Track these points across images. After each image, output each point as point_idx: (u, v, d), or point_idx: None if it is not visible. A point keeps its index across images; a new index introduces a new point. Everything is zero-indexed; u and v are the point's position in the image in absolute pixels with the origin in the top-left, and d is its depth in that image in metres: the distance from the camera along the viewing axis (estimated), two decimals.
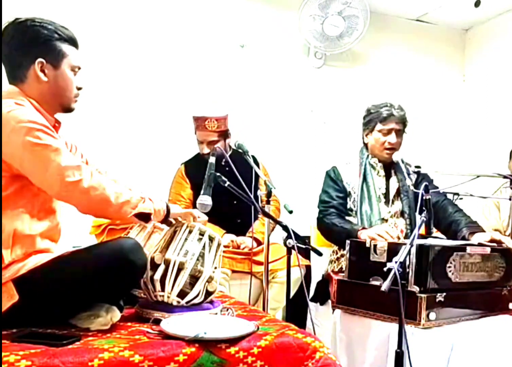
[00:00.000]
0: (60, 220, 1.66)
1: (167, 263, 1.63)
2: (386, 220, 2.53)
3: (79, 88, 1.68)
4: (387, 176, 2.62)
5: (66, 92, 1.64)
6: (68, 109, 1.68)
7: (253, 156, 3.02)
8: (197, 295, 1.65)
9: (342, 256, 2.54)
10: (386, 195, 2.59)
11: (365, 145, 2.68)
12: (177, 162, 3.14)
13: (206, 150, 2.88)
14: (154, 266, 1.64)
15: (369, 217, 2.52)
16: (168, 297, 1.63)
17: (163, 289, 1.63)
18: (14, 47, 1.58)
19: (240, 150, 2.47)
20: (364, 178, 2.58)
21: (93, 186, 1.49)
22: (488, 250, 2.12)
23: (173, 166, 3.14)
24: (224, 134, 2.93)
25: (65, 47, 1.62)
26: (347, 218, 2.57)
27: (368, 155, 2.63)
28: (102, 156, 3.08)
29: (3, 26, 1.60)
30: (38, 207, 1.56)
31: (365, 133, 2.66)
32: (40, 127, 1.49)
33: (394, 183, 2.60)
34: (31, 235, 1.53)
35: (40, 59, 1.57)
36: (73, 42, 1.66)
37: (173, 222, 1.77)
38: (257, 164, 2.99)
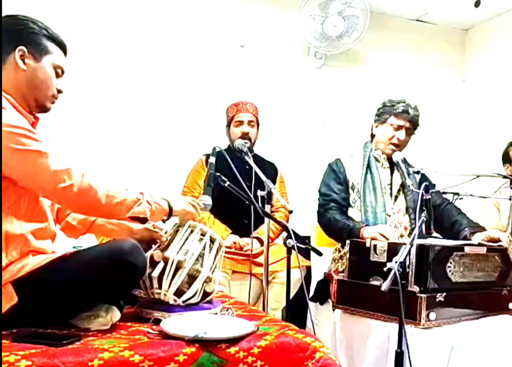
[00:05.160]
0: (51, 219, 1.64)
1: (166, 261, 1.63)
2: (390, 216, 2.52)
3: (59, 91, 1.65)
4: (391, 171, 2.61)
5: (42, 87, 1.60)
6: (43, 107, 1.63)
7: (272, 164, 3.09)
8: (194, 295, 1.65)
9: (346, 253, 2.54)
10: (390, 189, 2.58)
11: (371, 137, 2.67)
12: (179, 159, 3.19)
13: (246, 129, 2.97)
14: (153, 264, 1.64)
15: (374, 208, 2.51)
16: (165, 295, 1.62)
17: (160, 287, 1.63)
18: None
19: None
20: (369, 170, 2.57)
21: (84, 189, 1.49)
22: (485, 250, 2.11)
23: (176, 164, 3.20)
24: (257, 124, 3.06)
25: (50, 45, 1.61)
26: (349, 210, 2.56)
27: (372, 149, 2.63)
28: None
29: None
30: (26, 208, 1.54)
31: (375, 125, 2.65)
32: (23, 131, 1.45)
33: (397, 179, 2.60)
34: (23, 234, 1.51)
35: (21, 47, 1.55)
36: (60, 45, 1.64)
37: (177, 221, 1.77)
38: (276, 172, 3.06)
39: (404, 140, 2.56)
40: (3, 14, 1.61)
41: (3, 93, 1.53)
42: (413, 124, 2.58)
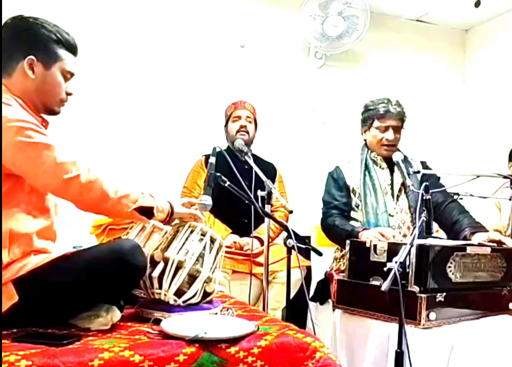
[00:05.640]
0: (54, 218, 1.64)
1: (166, 261, 1.63)
2: (392, 216, 2.52)
3: (68, 94, 1.66)
4: (391, 171, 2.61)
5: (51, 94, 1.62)
6: (51, 111, 1.66)
7: (271, 164, 3.10)
8: (194, 295, 1.65)
9: (347, 253, 2.53)
10: (391, 189, 2.57)
11: (365, 142, 2.68)
12: (179, 160, 3.18)
13: (244, 122, 2.99)
14: (154, 264, 1.64)
15: (375, 209, 2.50)
16: (165, 295, 1.62)
17: (160, 287, 1.63)
18: (9, 39, 1.57)
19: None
20: (368, 172, 2.57)
21: (91, 180, 1.49)
22: (488, 250, 2.11)
23: (175, 164, 3.20)
24: (255, 122, 3.06)
25: (61, 51, 1.61)
26: (352, 214, 2.56)
27: (368, 151, 2.63)
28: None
29: (6, 20, 1.59)
30: (31, 206, 1.55)
31: (363, 130, 2.67)
32: (30, 125, 1.47)
33: (398, 178, 2.59)
34: (27, 233, 1.52)
35: (30, 56, 1.56)
36: (71, 48, 1.64)
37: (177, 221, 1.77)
38: (275, 172, 3.06)
39: (394, 139, 2.56)
40: (4, 14, 1.61)
41: (11, 95, 1.54)
42: (400, 120, 2.58)
